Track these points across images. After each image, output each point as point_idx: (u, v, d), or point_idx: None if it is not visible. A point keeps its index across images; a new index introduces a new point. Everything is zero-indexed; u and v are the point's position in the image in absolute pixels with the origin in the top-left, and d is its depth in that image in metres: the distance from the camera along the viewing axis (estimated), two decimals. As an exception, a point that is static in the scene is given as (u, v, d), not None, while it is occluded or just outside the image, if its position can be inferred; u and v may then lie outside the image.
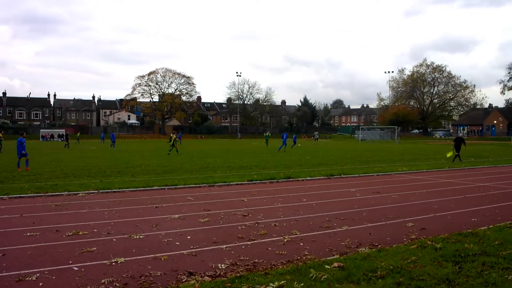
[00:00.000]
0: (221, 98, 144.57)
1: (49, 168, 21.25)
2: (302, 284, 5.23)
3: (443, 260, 6.15)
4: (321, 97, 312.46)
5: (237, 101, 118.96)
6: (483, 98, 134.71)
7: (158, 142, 67.34)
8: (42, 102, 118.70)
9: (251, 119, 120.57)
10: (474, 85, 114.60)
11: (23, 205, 11.35)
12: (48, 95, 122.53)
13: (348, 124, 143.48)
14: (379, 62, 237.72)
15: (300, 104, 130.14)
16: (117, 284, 5.57)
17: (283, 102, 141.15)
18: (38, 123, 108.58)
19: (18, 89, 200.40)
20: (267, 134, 56.87)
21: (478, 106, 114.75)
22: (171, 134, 37.84)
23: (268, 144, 52.01)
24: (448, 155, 26.87)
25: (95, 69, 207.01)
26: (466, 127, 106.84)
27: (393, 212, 10.43)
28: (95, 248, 7.21)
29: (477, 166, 23.29)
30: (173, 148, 35.12)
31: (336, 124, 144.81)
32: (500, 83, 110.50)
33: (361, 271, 5.73)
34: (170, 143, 36.19)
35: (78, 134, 47.93)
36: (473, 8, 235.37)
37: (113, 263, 6.42)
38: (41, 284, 5.58)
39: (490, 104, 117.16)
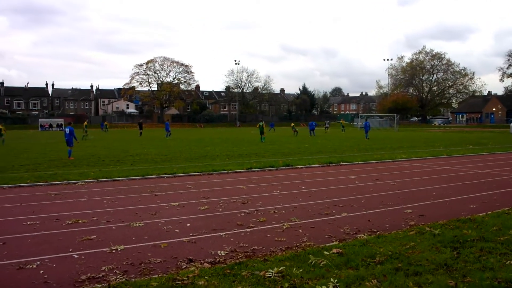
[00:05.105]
0: (219, 87, 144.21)
1: (48, 158, 21.26)
2: (301, 270, 5.26)
3: (441, 246, 6.18)
4: (318, 85, 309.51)
5: (235, 89, 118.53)
6: (482, 85, 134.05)
7: (157, 131, 67.13)
8: (40, 92, 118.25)
9: (250, 107, 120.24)
10: (474, 73, 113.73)
11: (22, 194, 11.38)
12: (46, 84, 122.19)
13: (347, 112, 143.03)
14: (374, 50, 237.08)
15: (299, 92, 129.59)
16: (117, 271, 5.60)
17: (282, 90, 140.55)
18: (37, 112, 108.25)
19: (16, 79, 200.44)
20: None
21: (477, 94, 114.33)
22: (260, 123, 37.46)
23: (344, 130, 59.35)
24: None
25: (91, 59, 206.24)
26: (465, 115, 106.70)
27: (391, 199, 10.46)
28: (95, 236, 7.23)
29: (476, 153, 23.31)
30: (263, 136, 35.87)
31: (335, 112, 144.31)
32: (499, 70, 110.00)
33: (359, 257, 5.75)
34: (262, 131, 36.35)
35: (85, 123, 47.45)
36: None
37: (113, 251, 6.45)
38: (41, 271, 5.60)
39: (489, 92, 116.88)
